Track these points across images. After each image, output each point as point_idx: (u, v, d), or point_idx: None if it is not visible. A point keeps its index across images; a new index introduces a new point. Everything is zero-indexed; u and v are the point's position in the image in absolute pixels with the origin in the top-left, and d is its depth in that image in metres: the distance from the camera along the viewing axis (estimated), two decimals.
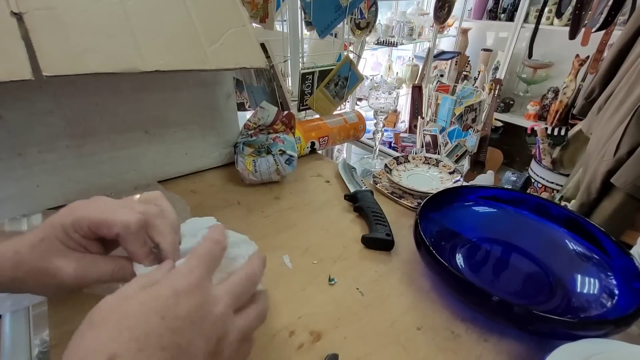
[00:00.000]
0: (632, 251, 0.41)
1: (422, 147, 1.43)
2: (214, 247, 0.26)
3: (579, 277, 0.43)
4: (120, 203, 0.29)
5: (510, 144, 2.30)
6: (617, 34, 1.33)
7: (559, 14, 1.91)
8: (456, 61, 2.41)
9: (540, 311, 0.32)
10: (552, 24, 2.00)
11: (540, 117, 2.20)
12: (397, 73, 2.54)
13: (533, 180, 1.67)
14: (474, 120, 1.28)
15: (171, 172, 0.64)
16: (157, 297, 0.21)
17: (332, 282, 0.44)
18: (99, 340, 0.19)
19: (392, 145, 2.25)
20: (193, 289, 0.22)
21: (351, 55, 0.86)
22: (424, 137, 1.40)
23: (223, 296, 0.24)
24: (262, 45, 0.60)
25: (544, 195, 1.57)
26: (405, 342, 0.37)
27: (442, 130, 1.33)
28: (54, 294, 0.29)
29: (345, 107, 1.16)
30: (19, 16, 0.37)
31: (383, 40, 2.16)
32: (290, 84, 0.88)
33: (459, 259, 0.47)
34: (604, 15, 1.43)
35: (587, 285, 0.42)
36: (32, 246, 0.26)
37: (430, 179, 0.68)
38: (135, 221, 0.26)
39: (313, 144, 0.77)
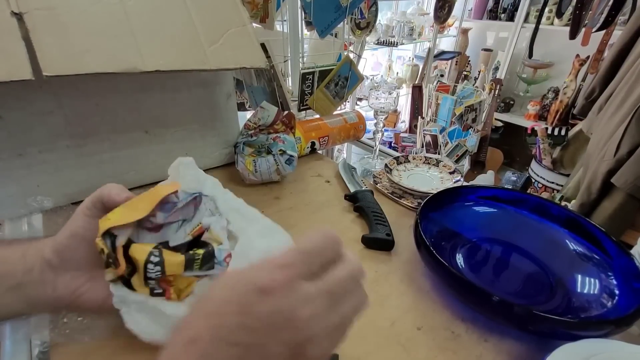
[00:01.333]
0: (632, 251, 0.41)
1: (422, 147, 1.43)
2: (327, 245, 0.22)
3: (580, 277, 0.43)
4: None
5: (511, 144, 2.30)
6: (618, 34, 1.33)
7: (559, 14, 1.91)
8: (456, 61, 2.41)
9: (541, 311, 0.32)
10: (552, 23, 2.00)
11: (541, 117, 2.20)
12: (397, 73, 2.54)
13: (533, 180, 1.67)
14: (474, 120, 1.28)
15: None
16: (239, 292, 0.20)
17: None
18: (188, 322, 0.21)
19: (393, 145, 2.25)
20: (281, 288, 0.20)
21: (351, 55, 0.86)
22: (424, 137, 1.40)
23: (317, 297, 0.21)
24: (262, 45, 0.60)
25: (544, 195, 1.56)
26: (406, 342, 0.36)
27: (443, 130, 1.33)
28: (59, 306, 0.32)
29: (346, 107, 1.16)
30: (19, 16, 0.37)
31: (383, 40, 2.16)
32: (291, 84, 0.88)
33: (459, 259, 0.47)
34: (604, 15, 1.43)
35: (587, 285, 0.42)
36: (43, 283, 0.30)
37: (430, 179, 0.68)
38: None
39: (313, 144, 0.77)
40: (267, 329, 0.19)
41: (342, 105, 0.92)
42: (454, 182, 0.65)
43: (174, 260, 0.29)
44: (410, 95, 2.29)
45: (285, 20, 0.81)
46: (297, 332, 0.20)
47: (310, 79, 0.80)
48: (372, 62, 2.53)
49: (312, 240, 0.22)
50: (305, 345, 0.20)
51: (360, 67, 0.99)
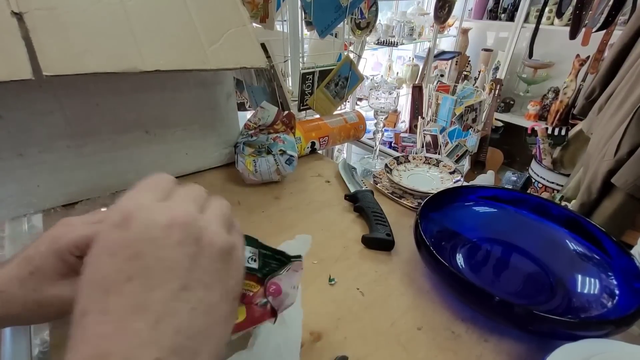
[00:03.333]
0: (632, 251, 0.41)
1: (423, 147, 1.43)
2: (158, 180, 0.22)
3: (580, 277, 0.43)
4: (88, 218, 0.28)
5: (511, 144, 2.29)
6: (618, 34, 1.33)
7: (559, 14, 1.91)
8: (456, 61, 2.41)
9: (541, 311, 0.32)
10: (552, 23, 2.00)
11: (541, 117, 2.20)
12: (398, 73, 2.54)
13: (533, 180, 1.67)
14: (474, 120, 1.28)
15: (171, 172, 0.64)
16: (102, 240, 0.19)
17: (333, 282, 0.44)
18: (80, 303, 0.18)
19: (393, 145, 2.25)
20: (137, 210, 0.19)
21: (351, 55, 0.86)
22: (424, 137, 1.40)
23: (179, 201, 0.21)
24: (263, 45, 0.60)
25: (545, 195, 1.56)
26: (406, 342, 0.36)
27: (443, 130, 1.33)
28: (54, 319, 0.28)
29: (346, 107, 1.16)
30: (19, 16, 0.37)
31: (383, 40, 2.16)
32: (291, 84, 0.88)
33: (459, 259, 0.47)
34: (604, 15, 1.43)
35: (587, 285, 0.42)
36: (21, 281, 0.25)
37: (430, 179, 0.68)
38: None
39: (313, 144, 0.77)
40: (150, 246, 0.18)
41: (342, 105, 0.92)
42: (454, 182, 0.65)
43: None
44: (410, 95, 2.29)
45: (285, 20, 0.81)
46: (186, 228, 0.19)
47: (310, 79, 0.80)
48: (372, 62, 2.53)
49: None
50: (202, 236, 0.19)
51: (360, 67, 0.99)
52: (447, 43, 2.57)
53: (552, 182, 1.57)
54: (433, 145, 1.38)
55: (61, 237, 0.26)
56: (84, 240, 0.25)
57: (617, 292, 0.39)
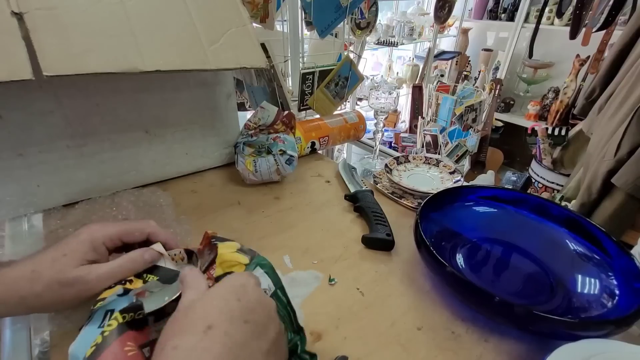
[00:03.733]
0: (632, 251, 0.41)
1: (423, 147, 1.43)
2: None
3: (580, 277, 0.43)
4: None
5: (511, 144, 2.29)
6: (618, 34, 1.32)
7: (559, 14, 1.91)
8: (456, 61, 2.41)
9: (541, 311, 0.32)
10: (552, 23, 2.00)
11: (541, 117, 2.20)
12: (398, 73, 2.54)
13: (533, 180, 1.67)
14: (474, 120, 1.28)
15: (171, 172, 0.64)
16: (230, 287, 0.26)
17: (333, 282, 0.44)
18: (197, 316, 0.24)
19: (393, 145, 2.25)
20: (253, 282, 0.28)
21: (351, 55, 0.86)
22: (424, 137, 1.40)
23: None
24: (263, 45, 0.60)
25: (545, 195, 1.56)
26: (406, 342, 0.36)
27: (443, 130, 1.33)
28: (67, 306, 0.32)
29: (346, 107, 1.16)
30: (19, 16, 0.37)
31: (383, 40, 2.16)
32: (291, 84, 0.88)
33: (460, 259, 0.47)
34: (604, 15, 1.43)
35: (587, 285, 0.42)
36: (53, 261, 0.30)
37: (430, 179, 0.68)
38: (154, 222, 0.37)
39: (313, 144, 0.77)
40: (261, 309, 0.26)
41: (342, 105, 0.92)
42: (454, 182, 0.65)
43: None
44: (410, 95, 2.29)
45: (285, 20, 0.81)
46: (271, 309, 0.27)
47: (310, 79, 0.80)
48: (372, 62, 2.53)
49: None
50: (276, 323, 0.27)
51: (360, 67, 0.99)
52: (447, 43, 2.57)
53: (552, 182, 1.57)
54: (433, 145, 1.38)
55: (98, 230, 0.33)
56: (117, 235, 0.34)
57: (617, 292, 0.39)
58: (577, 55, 1.88)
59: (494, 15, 2.32)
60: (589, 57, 1.85)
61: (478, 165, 2.07)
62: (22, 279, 0.29)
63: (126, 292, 0.31)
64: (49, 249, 0.31)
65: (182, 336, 0.23)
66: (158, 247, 0.36)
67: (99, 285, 0.31)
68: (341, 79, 0.85)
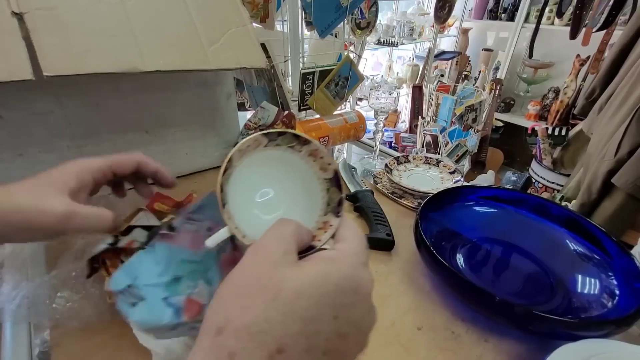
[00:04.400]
0: (632, 251, 0.41)
1: (423, 147, 1.43)
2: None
3: (580, 277, 0.43)
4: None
5: (511, 144, 2.29)
6: (618, 34, 1.32)
7: (559, 14, 1.91)
8: (457, 61, 2.40)
9: (541, 311, 0.32)
10: (552, 23, 2.00)
11: (541, 117, 2.20)
12: (398, 73, 2.54)
13: (534, 180, 1.67)
14: (474, 120, 1.28)
15: (171, 172, 0.64)
16: (336, 289, 0.18)
17: None
18: (272, 325, 0.16)
19: (393, 145, 2.25)
20: (371, 289, 0.20)
21: (351, 55, 0.86)
22: (424, 137, 1.40)
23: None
24: (263, 45, 0.60)
25: (545, 195, 1.56)
26: (406, 342, 0.36)
27: (443, 130, 1.33)
28: (33, 237, 0.30)
29: (346, 107, 1.16)
30: (19, 16, 0.37)
31: (383, 40, 2.16)
32: (291, 84, 0.88)
33: (460, 259, 0.47)
34: (604, 15, 1.43)
35: (587, 285, 0.42)
36: (32, 189, 0.29)
37: (430, 179, 0.68)
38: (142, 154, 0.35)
39: None
40: (356, 334, 0.19)
41: (342, 105, 0.92)
42: (454, 182, 0.65)
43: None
44: (410, 95, 2.29)
45: (285, 20, 0.81)
46: (370, 325, 0.21)
47: (310, 79, 0.80)
48: (372, 62, 2.53)
49: (362, 238, 0.24)
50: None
51: (360, 67, 0.99)
52: (447, 43, 2.57)
53: (552, 182, 1.57)
54: (433, 145, 1.38)
55: (85, 162, 0.32)
56: (107, 165, 0.32)
57: (617, 292, 0.39)
58: (577, 55, 1.88)
59: (494, 15, 2.32)
60: (589, 57, 1.85)
61: (478, 165, 2.07)
62: None
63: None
64: (30, 180, 0.30)
65: (241, 351, 0.16)
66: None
67: (62, 223, 0.28)
68: (341, 79, 0.85)
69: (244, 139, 0.26)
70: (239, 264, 0.20)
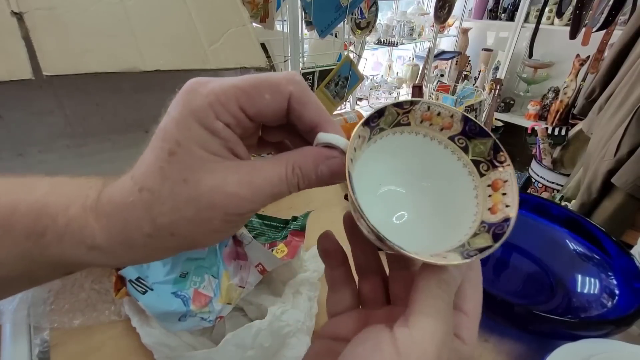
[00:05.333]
0: (632, 251, 0.41)
1: None
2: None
3: (580, 277, 0.43)
4: None
5: (511, 143, 2.29)
6: (618, 34, 1.33)
7: (559, 14, 1.91)
8: (456, 61, 2.41)
9: (541, 311, 0.32)
10: (552, 23, 2.00)
11: (541, 116, 2.20)
12: (398, 73, 2.54)
13: (533, 180, 1.67)
14: None
15: None
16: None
17: None
18: None
19: None
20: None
21: (351, 55, 0.86)
22: None
23: None
24: (263, 45, 0.60)
25: (545, 195, 1.56)
26: None
27: None
28: (208, 238, 0.17)
29: (346, 107, 1.16)
30: (19, 16, 0.37)
31: (383, 40, 2.16)
32: None
33: None
34: (604, 15, 1.43)
35: (587, 285, 0.42)
36: (161, 169, 0.16)
37: None
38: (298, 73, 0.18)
39: None
40: None
41: (342, 105, 0.92)
42: None
43: None
44: (410, 95, 2.29)
45: (285, 20, 0.81)
46: None
47: (310, 79, 0.80)
48: (372, 62, 2.52)
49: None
50: None
51: (360, 67, 0.99)
52: (447, 43, 2.57)
53: (552, 182, 1.57)
54: None
55: (199, 99, 0.17)
56: (234, 97, 0.17)
57: (617, 292, 0.39)
58: (577, 55, 1.88)
59: (494, 15, 2.32)
60: (589, 57, 1.85)
61: None
62: (128, 206, 0.16)
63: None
64: (145, 155, 0.17)
65: None
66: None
67: (246, 200, 0.17)
68: (341, 79, 0.85)
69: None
70: None
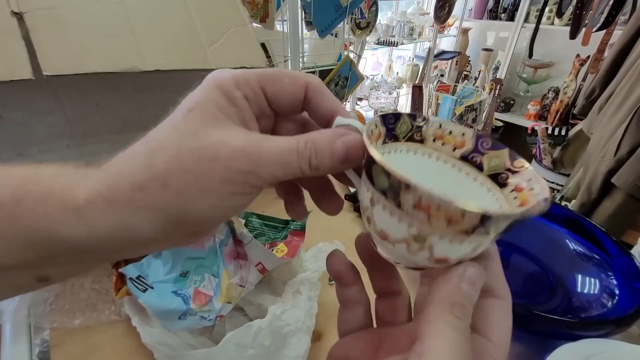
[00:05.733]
0: (632, 251, 0.41)
1: None
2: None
3: (580, 277, 0.43)
4: None
5: (511, 143, 2.25)
6: (618, 34, 1.33)
7: (559, 14, 1.91)
8: (456, 61, 2.40)
9: (541, 311, 0.32)
10: (552, 23, 2.00)
11: (541, 117, 2.20)
12: (398, 73, 2.54)
13: None
14: (474, 120, 1.28)
15: None
16: None
17: (333, 282, 0.44)
18: None
19: None
20: None
21: (351, 55, 0.86)
22: None
23: None
24: (263, 45, 0.60)
25: None
26: None
27: None
28: (219, 200, 0.17)
29: (346, 107, 1.16)
30: (19, 16, 0.37)
31: (383, 40, 2.16)
32: None
33: None
34: (604, 15, 1.43)
35: (587, 285, 0.42)
36: (176, 125, 0.18)
37: None
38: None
39: None
40: None
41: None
42: None
43: None
44: (410, 95, 2.28)
45: (285, 20, 0.81)
46: None
47: None
48: (372, 62, 2.52)
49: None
50: None
51: (360, 67, 0.99)
52: (447, 43, 2.57)
53: (552, 182, 1.57)
54: None
55: (225, 73, 0.19)
56: (257, 80, 0.19)
57: (617, 292, 0.39)
58: (577, 55, 1.88)
59: (494, 15, 2.32)
60: (589, 57, 1.85)
61: None
62: (129, 156, 0.18)
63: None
64: (168, 115, 0.19)
65: None
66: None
67: (271, 163, 0.17)
68: (341, 79, 0.85)
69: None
70: None
